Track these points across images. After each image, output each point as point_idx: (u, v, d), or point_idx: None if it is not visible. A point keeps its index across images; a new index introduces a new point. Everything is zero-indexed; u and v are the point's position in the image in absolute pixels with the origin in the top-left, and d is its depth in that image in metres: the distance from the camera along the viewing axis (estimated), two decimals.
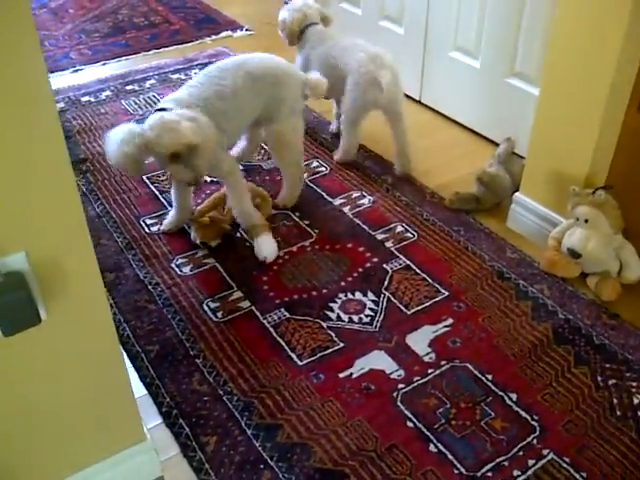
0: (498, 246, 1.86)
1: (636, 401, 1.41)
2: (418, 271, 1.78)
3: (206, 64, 2.84)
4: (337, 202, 2.04)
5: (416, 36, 2.47)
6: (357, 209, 2.01)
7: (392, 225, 1.95)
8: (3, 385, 0.98)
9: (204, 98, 1.71)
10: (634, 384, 1.46)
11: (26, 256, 0.91)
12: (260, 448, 1.33)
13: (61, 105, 2.58)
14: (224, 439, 1.35)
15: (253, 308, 1.66)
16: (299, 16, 2.17)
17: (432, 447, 1.33)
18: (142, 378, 1.49)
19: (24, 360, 0.99)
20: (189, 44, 3.10)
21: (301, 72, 1.97)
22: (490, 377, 1.48)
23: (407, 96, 2.59)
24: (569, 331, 1.59)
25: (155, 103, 2.58)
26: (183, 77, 2.79)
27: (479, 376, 1.48)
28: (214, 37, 3.17)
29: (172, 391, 1.45)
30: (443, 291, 1.71)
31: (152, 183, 2.13)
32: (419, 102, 2.59)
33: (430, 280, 1.74)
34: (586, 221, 1.62)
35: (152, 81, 2.76)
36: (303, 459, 1.31)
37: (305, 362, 1.51)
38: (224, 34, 3.19)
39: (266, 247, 1.79)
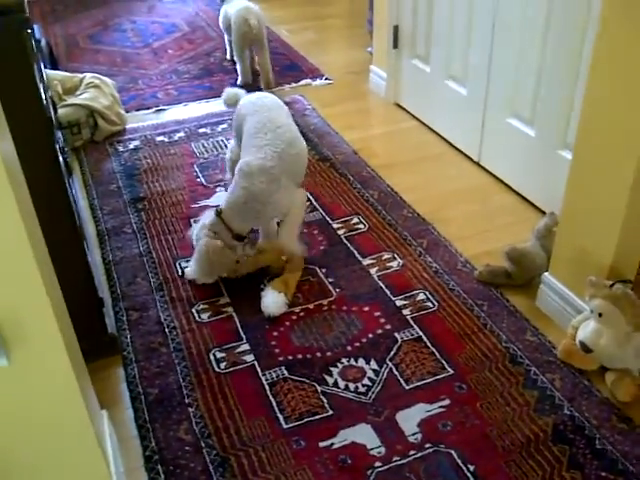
0: (519, 326, 1.79)
1: None
2: (429, 344, 1.75)
3: None
4: (366, 262, 2.05)
5: (477, 98, 2.44)
6: (384, 271, 2.01)
7: (415, 292, 1.93)
8: None
9: (277, 152, 1.90)
10: None
11: None
12: None
13: (137, 143, 2.78)
14: None
15: (255, 363, 1.70)
16: None
17: None
18: (136, 419, 1.57)
19: None
20: (269, 90, 3.23)
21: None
22: (472, 468, 1.42)
23: (466, 156, 2.57)
24: (571, 429, 1.50)
25: (222, 148, 2.72)
26: None
27: (461, 465, 1.43)
28: (294, 85, 3.28)
29: (159, 436, 1.52)
30: (448, 369, 1.67)
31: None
32: (477, 164, 2.55)
33: (438, 355, 1.71)
34: (600, 315, 1.53)
35: (224, 125, 2.91)
36: None
37: (290, 425, 1.53)
38: (304, 82, 3.30)
39: (270, 303, 1.84)
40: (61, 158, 1.75)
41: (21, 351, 1.07)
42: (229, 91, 2.36)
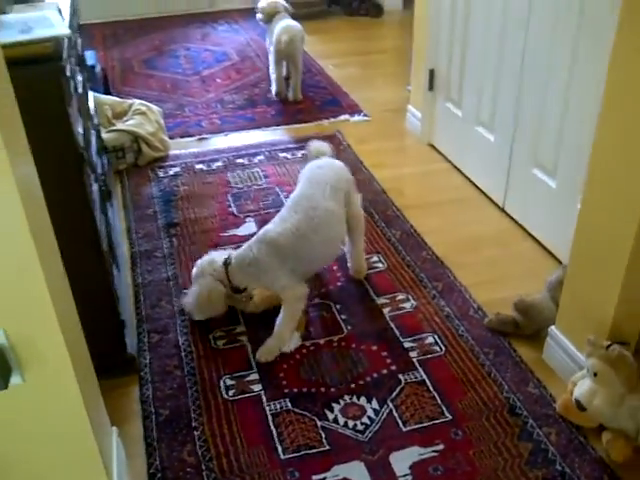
0: (522, 377, 1.82)
1: None
2: (431, 388, 1.79)
3: None
4: (380, 301, 2.11)
5: (504, 146, 2.49)
6: (396, 312, 2.07)
7: (424, 335, 1.98)
8: None
9: (297, 233, 1.91)
10: None
11: (4, 333, 1.12)
12: None
13: (177, 169, 2.93)
14: None
15: (262, 393, 1.79)
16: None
17: None
18: (145, 437, 1.67)
19: (2, 412, 1.20)
20: (308, 124, 3.35)
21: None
22: None
23: (491, 201, 2.62)
24: None
25: (256, 179, 2.84)
26: (289, 157, 3.03)
27: None
28: (332, 120, 3.39)
29: (163, 456, 1.61)
30: (447, 414, 1.71)
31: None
32: (502, 210, 2.59)
33: (439, 400, 1.76)
34: (595, 374, 1.55)
35: (261, 157, 3.03)
36: None
37: (287, 457, 1.60)
38: (342, 117, 3.41)
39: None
40: (96, 187, 1.89)
41: (34, 370, 1.18)
42: (315, 145, 2.26)
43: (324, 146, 2.24)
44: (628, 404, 1.56)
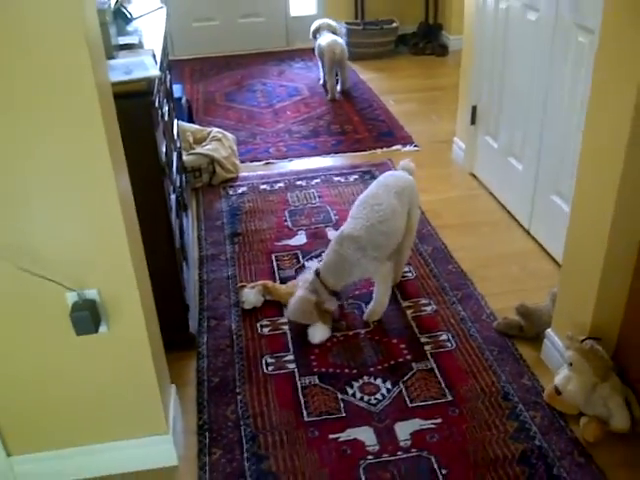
0: (519, 371, 2.11)
1: None
2: (438, 375, 2.10)
3: (366, 172, 3.46)
4: (405, 304, 2.44)
5: (530, 175, 2.78)
6: (418, 313, 2.39)
7: (439, 333, 2.29)
8: (74, 365, 1.62)
9: (368, 225, 2.25)
10: None
11: (98, 292, 1.55)
12: (247, 468, 1.80)
13: (244, 189, 3.37)
14: (227, 454, 1.85)
15: (295, 370, 2.15)
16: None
17: None
18: (197, 398, 2.06)
19: (90, 353, 1.62)
20: (362, 152, 3.73)
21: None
22: (445, 472, 1.77)
23: (519, 224, 2.90)
24: (535, 456, 1.80)
25: (312, 199, 3.24)
26: (342, 180, 3.41)
27: (435, 468, 1.78)
28: (385, 149, 3.76)
29: (211, 413, 2.00)
30: (449, 396, 2.02)
31: (276, 260, 2.75)
32: (527, 232, 2.87)
33: (443, 385, 2.06)
34: (570, 364, 1.83)
35: (317, 180, 3.43)
36: None
37: (310, 419, 1.96)
38: (394, 147, 3.77)
39: (318, 334, 2.27)
40: (174, 196, 2.33)
41: (116, 323, 1.60)
42: (404, 162, 2.61)
43: (410, 165, 2.58)
44: (600, 392, 1.83)
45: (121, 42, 2.15)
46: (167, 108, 2.55)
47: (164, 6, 2.84)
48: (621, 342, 1.92)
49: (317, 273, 2.28)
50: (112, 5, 2.16)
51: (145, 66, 1.91)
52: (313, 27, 4.79)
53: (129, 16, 2.32)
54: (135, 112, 1.83)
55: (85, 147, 1.39)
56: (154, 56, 2.08)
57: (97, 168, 1.42)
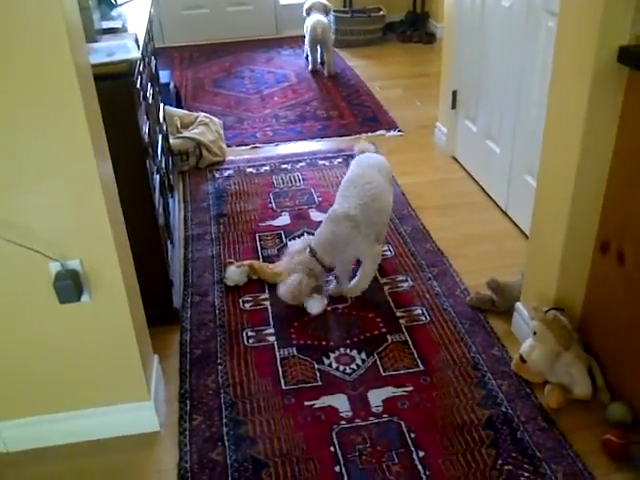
0: (489, 343, 2.19)
1: None
2: (411, 347, 2.19)
3: (350, 155, 3.53)
4: (383, 280, 2.53)
5: (505, 157, 2.86)
6: (395, 289, 2.48)
7: (414, 307, 2.38)
8: (58, 333, 1.70)
9: (362, 203, 2.32)
10: (526, 474, 1.73)
11: (80, 262, 1.62)
12: (225, 433, 1.89)
13: (230, 172, 3.45)
14: (206, 420, 1.94)
15: (275, 343, 2.23)
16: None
17: (337, 468, 1.77)
18: (180, 368, 2.14)
19: (73, 322, 1.70)
20: (347, 137, 3.81)
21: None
22: (413, 436, 1.86)
23: (497, 205, 2.98)
24: (500, 421, 1.89)
25: (296, 181, 3.31)
26: (327, 164, 3.49)
27: (405, 432, 1.87)
28: (370, 134, 3.83)
29: (192, 382, 2.08)
30: (420, 366, 2.11)
31: (260, 240, 2.83)
32: (504, 213, 2.95)
33: (416, 355, 2.15)
34: (534, 333, 1.92)
35: (302, 164, 3.50)
36: (249, 448, 1.84)
37: (287, 387, 2.04)
38: (378, 132, 3.85)
39: (317, 305, 2.34)
40: (157, 177, 2.41)
41: (98, 293, 1.68)
42: (360, 144, 2.69)
43: (368, 145, 2.67)
44: (563, 360, 1.92)
45: (105, 26, 2.22)
46: (152, 91, 2.62)
47: None
48: (585, 313, 2.01)
49: (313, 253, 2.33)
50: None
51: (127, 49, 1.98)
52: (306, 5, 5.04)
53: (113, 2, 2.38)
54: (117, 92, 1.89)
55: (65, 125, 1.46)
56: (137, 40, 2.15)
57: (77, 146, 1.49)
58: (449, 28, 3.35)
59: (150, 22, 2.83)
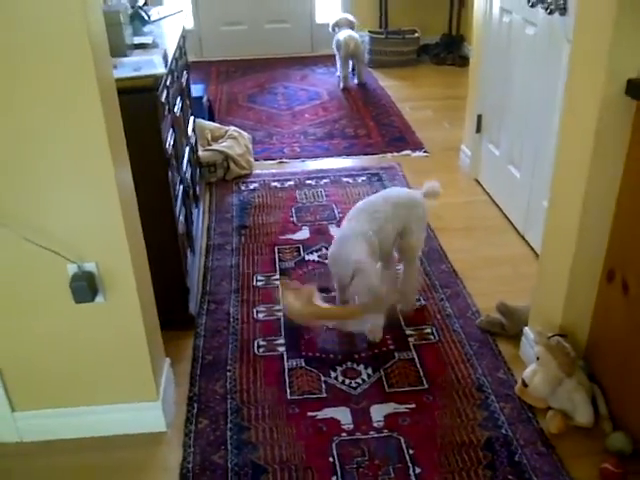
0: (495, 366, 2.21)
1: None
2: (418, 365, 2.22)
3: (375, 174, 3.59)
4: None
5: (526, 182, 2.88)
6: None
7: (424, 327, 2.41)
8: (73, 331, 1.79)
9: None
10: None
11: (96, 265, 1.71)
12: (229, 437, 1.95)
13: (256, 185, 3.53)
14: (212, 424, 2.00)
15: (284, 353, 2.29)
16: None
17: (334, 478, 1.81)
18: (191, 373, 2.21)
19: (87, 321, 1.78)
20: (373, 156, 3.86)
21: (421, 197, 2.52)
22: (411, 452, 1.88)
23: (515, 229, 3.00)
24: (500, 443, 1.91)
25: (319, 197, 3.38)
26: (350, 181, 3.55)
27: (403, 448, 1.90)
28: (395, 154, 3.88)
29: (201, 386, 2.15)
30: (425, 384, 2.13)
31: (278, 252, 2.90)
32: (522, 237, 2.96)
33: (422, 373, 2.18)
34: (537, 358, 1.93)
35: (326, 180, 3.57)
36: (250, 453, 1.89)
37: (292, 397, 2.09)
38: (404, 152, 3.89)
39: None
40: (181, 187, 2.50)
41: (112, 295, 1.76)
42: (430, 184, 2.59)
43: (435, 188, 2.57)
44: (566, 387, 1.93)
45: (136, 42, 2.33)
46: (180, 104, 2.72)
47: (183, 10, 3.01)
48: (590, 341, 2.02)
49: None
50: (129, 7, 2.34)
51: (154, 64, 2.08)
52: (333, 21, 5.24)
53: (146, 18, 2.49)
54: (141, 105, 1.99)
55: (86, 134, 1.55)
56: (165, 56, 2.25)
57: (97, 154, 1.57)
58: (477, 51, 3.40)
59: (183, 38, 2.94)
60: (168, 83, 2.30)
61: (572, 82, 1.84)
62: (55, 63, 1.46)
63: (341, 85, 5.10)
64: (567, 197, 1.91)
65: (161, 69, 2.05)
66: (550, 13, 2.48)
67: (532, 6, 2.60)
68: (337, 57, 5.18)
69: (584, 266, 1.91)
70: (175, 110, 2.50)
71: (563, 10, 2.42)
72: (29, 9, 1.40)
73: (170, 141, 2.28)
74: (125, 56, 2.16)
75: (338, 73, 5.26)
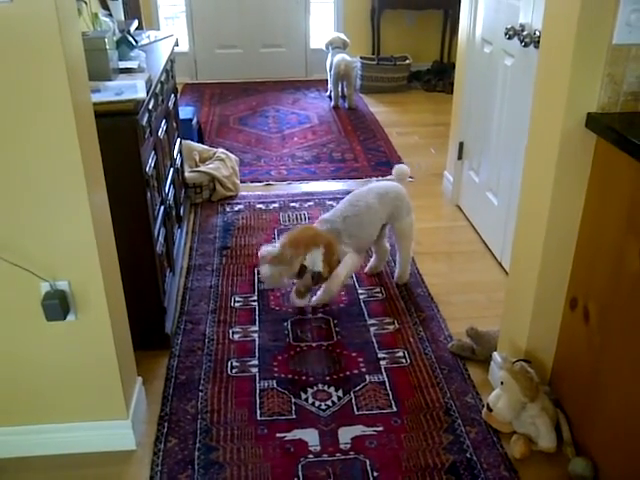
0: (464, 390, 2.24)
1: None
2: (387, 388, 2.25)
3: None
4: (370, 321, 2.60)
5: (503, 209, 2.93)
6: (381, 331, 2.54)
7: (396, 350, 2.44)
8: (44, 349, 1.82)
9: (344, 216, 2.64)
10: None
11: (68, 283, 1.74)
12: (196, 457, 1.97)
13: (241, 207, 3.58)
14: (180, 443, 2.02)
15: (257, 374, 2.32)
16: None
17: None
18: (163, 392, 2.24)
19: (59, 339, 1.81)
20: (358, 180, 3.92)
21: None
22: (376, 474, 1.91)
23: (493, 256, 3.04)
24: (464, 467, 1.93)
25: (303, 220, 3.43)
26: (334, 204, 3.56)
27: (368, 470, 1.92)
28: (380, 178, 3.94)
29: (173, 406, 2.17)
30: (394, 407, 2.16)
31: (257, 273, 2.94)
32: (499, 263, 3.01)
33: (391, 397, 2.21)
34: (502, 383, 1.96)
35: (311, 203, 3.63)
36: (217, 473, 1.91)
37: (262, 418, 2.11)
38: (389, 177, 3.93)
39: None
40: (162, 208, 2.54)
41: (84, 313, 1.80)
42: (399, 167, 3.05)
43: (404, 169, 3.02)
44: (529, 412, 1.96)
45: (122, 66, 2.39)
46: (165, 127, 2.78)
47: (173, 34, 3.08)
48: (555, 367, 2.05)
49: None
50: (117, 32, 2.40)
51: (136, 89, 2.13)
52: (326, 41, 5.47)
53: (134, 43, 2.56)
54: (121, 129, 2.04)
55: (61, 157, 1.59)
56: (149, 80, 2.31)
57: (71, 176, 1.62)
58: (459, 81, 3.47)
59: (171, 62, 3.01)
60: (150, 107, 2.35)
61: (535, 114, 1.90)
62: (30, 88, 1.51)
63: (332, 103, 5.36)
64: (531, 225, 1.96)
65: (142, 94, 2.10)
66: (525, 46, 2.56)
67: (509, 38, 2.68)
68: (329, 76, 5.39)
69: (548, 293, 1.95)
70: (159, 133, 2.56)
71: (537, 43, 2.49)
72: (3, 37, 1.45)
73: (151, 163, 2.33)
74: (110, 80, 2.22)
75: (328, 93, 5.49)
